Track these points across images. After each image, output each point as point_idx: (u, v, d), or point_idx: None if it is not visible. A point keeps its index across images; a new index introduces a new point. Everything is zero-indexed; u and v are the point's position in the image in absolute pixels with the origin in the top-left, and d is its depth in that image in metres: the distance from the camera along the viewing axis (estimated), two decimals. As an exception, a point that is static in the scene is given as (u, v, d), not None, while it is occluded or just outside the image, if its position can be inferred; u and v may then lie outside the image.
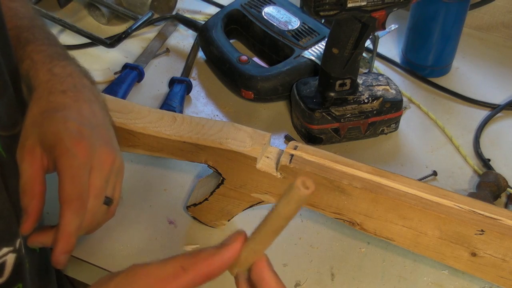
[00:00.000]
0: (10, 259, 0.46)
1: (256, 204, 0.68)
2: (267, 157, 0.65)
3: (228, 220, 0.71)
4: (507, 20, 1.03)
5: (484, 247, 0.60)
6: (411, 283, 0.68)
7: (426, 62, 0.96)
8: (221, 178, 0.66)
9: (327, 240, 0.72)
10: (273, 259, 0.69)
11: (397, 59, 0.99)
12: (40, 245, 0.48)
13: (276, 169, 0.64)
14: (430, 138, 0.86)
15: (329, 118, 0.81)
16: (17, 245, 0.46)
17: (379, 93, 0.83)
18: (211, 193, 0.68)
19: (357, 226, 0.64)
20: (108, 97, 0.69)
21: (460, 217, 0.60)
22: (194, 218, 0.73)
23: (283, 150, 0.64)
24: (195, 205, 0.71)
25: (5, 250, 0.45)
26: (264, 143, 0.64)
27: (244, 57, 0.90)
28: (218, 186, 0.67)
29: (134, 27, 0.99)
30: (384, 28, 0.77)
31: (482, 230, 0.59)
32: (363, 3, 0.72)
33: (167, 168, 0.80)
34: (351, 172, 0.63)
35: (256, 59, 0.94)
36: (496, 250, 0.60)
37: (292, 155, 0.63)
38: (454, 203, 0.61)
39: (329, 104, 0.81)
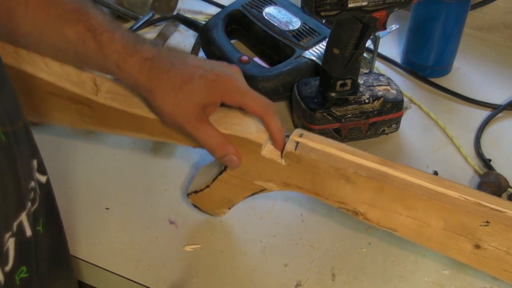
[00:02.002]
0: (11, 244, 0.46)
1: (259, 192, 0.67)
2: (272, 144, 0.64)
3: (229, 208, 0.71)
4: (508, 20, 1.03)
5: (489, 239, 0.59)
6: (412, 283, 0.68)
7: (427, 62, 0.96)
8: (224, 165, 0.66)
9: (328, 240, 0.72)
10: (274, 259, 0.70)
11: (398, 59, 0.99)
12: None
13: (281, 156, 0.63)
14: (431, 138, 0.86)
15: (330, 118, 0.81)
16: (15, 228, 0.46)
17: (380, 93, 0.83)
18: (213, 180, 0.67)
19: (361, 216, 0.64)
20: (113, 81, 0.68)
21: (466, 208, 0.59)
22: (195, 206, 0.72)
23: (288, 137, 0.64)
24: (195, 192, 0.70)
25: (6, 236, 0.45)
26: None
27: (245, 57, 0.90)
28: (220, 173, 0.66)
29: (135, 27, 0.99)
30: (385, 28, 0.77)
31: (487, 222, 0.58)
32: (364, 3, 0.72)
33: (168, 168, 0.80)
34: (356, 160, 0.62)
35: (257, 59, 0.94)
36: (501, 243, 0.59)
37: (297, 142, 0.63)
38: (460, 194, 0.60)
39: (330, 104, 0.81)
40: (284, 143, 0.63)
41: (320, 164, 0.62)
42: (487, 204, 0.60)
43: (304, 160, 0.62)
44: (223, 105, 0.63)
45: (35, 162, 0.51)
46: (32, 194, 0.49)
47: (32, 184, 0.50)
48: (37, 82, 0.64)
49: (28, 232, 0.49)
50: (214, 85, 0.61)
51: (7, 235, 0.45)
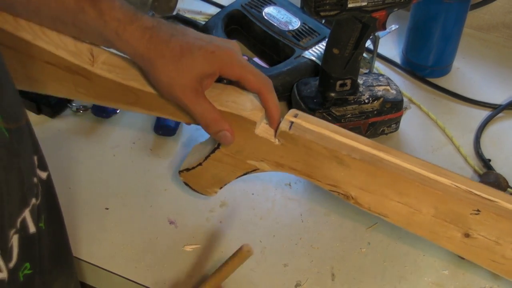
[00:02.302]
0: (15, 240, 0.46)
1: (251, 171, 0.67)
2: (266, 123, 0.64)
3: (220, 188, 0.70)
4: (507, 20, 1.03)
5: (479, 228, 0.59)
6: (411, 283, 0.68)
7: (426, 63, 0.96)
8: (217, 143, 0.65)
9: (328, 240, 0.72)
10: (273, 259, 0.70)
11: (397, 59, 0.99)
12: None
13: (275, 135, 0.63)
14: (430, 139, 0.86)
15: (330, 118, 0.81)
16: (18, 225, 0.47)
17: (379, 93, 0.83)
18: (206, 158, 0.67)
19: (352, 200, 0.63)
20: (110, 53, 0.67)
21: (457, 195, 0.59)
22: (186, 184, 0.72)
23: (283, 117, 0.64)
24: (187, 170, 0.69)
25: (11, 232, 0.45)
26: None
27: (244, 58, 0.90)
28: (213, 151, 0.66)
29: (135, 28, 0.99)
30: (385, 29, 0.77)
31: (478, 210, 0.58)
32: (364, 3, 0.72)
33: (167, 168, 0.80)
34: (350, 143, 0.62)
35: (256, 60, 0.95)
36: (490, 232, 0.59)
37: (292, 122, 0.63)
38: (452, 181, 0.60)
39: (329, 105, 0.81)
40: (279, 121, 0.63)
41: (314, 145, 0.61)
42: (479, 193, 0.59)
43: (297, 140, 0.62)
44: (219, 81, 0.63)
45: (35, 158, 0.51)
46: (35, 190, 0.49)
47: (35, 180, 0.50)
48: (34, 50, 0.63)
49: (32, 229, 0.49)
50: (213, 56, 0.60)
51: (12, 231, 0.45)
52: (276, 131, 0.63)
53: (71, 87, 0.67)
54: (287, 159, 0.64)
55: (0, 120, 0.43)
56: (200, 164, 0.68)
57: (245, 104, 0.62)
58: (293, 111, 0.64)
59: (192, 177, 0.70)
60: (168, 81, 0.60)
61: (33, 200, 0.49)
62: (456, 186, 0.60)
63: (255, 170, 0.66)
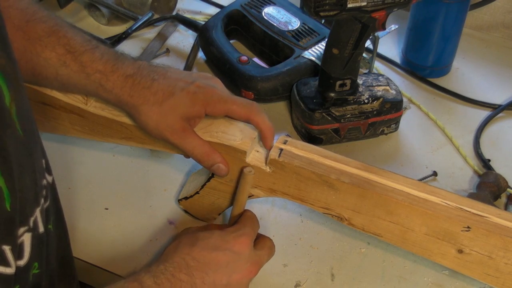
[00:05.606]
0: (27, 239, 0.47)
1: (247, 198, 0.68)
2: (257, 151, 0.65)
3: (219, 214, 0.71)
4: (507, 20, 1.03)
5: (471, 244, 0.60)
6: (411, 283, 0.68)
7: (426, 63, 0.96)
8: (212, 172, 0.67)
9: (327, 240, 0.72)
10: (273, 259, 0.70)
11: (397, 59, 0.99)
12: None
13: (266, 163, 0.64)
14: (430, 139, 0.86)
15: (329, 118, 0.81)
16: (31, 223, 0.47)
17: (379, 93, 0.83)
18: (202, 187, 0.69)
19: (345, 221, 0.65)
20: None
21: (447, 213, 0.60)
22: (186, 211, 0.73)
23: (290, 137, 0.65)
24: (186, 198, 0.71)
25: (21, 230, 0.46)
26: (254, 137, 0.64)
27: (244, 58, 0.90)
28: (208, 180, 0.68)
29: (134, 28, 0.99)
30: (384, 29, 0.77)
31: (468, 227, 0.59)
32: (363, 4, 0.72)
33: (167, 169, 0.80)
34: (339, 167, 0.63)
35: (256, 60, 0.94)
36: (482, 247, 0.60)
37: (281, 149, 0.64)
38: (441, 199, 0.61)
39: (329, 105, 0.81)
40: (273, 141, 0.64)
41: (303, 170, 0.63)
42: (469, 209, 0.60)
43: (287, 167, 0.63)
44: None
45: (43, 162, 0.51)
46: (44, 192, 0.50)
47: (44, 182, 0.50)
48: (29, 92, 0.65)
49: (41, 229, 0.49)
50: (196, 97, 0.62)
51: (23, 229, 0.46)
52: (266, 159, 0.64)
53: (68, 125, 0.70)
54: (279, 185, 0.65)
55: (16, 120, 0.44)
56: (197, 192, 0.70)
57: (235, 134, 0.64)
58: (282, 137, 0.66)
59: (191, 205, 0.72)
60: (155, 124, 0.62)
61: (43, 201, 0.50)
62: (446, 203, 0.61)
63: (250, 196, 0.67)
